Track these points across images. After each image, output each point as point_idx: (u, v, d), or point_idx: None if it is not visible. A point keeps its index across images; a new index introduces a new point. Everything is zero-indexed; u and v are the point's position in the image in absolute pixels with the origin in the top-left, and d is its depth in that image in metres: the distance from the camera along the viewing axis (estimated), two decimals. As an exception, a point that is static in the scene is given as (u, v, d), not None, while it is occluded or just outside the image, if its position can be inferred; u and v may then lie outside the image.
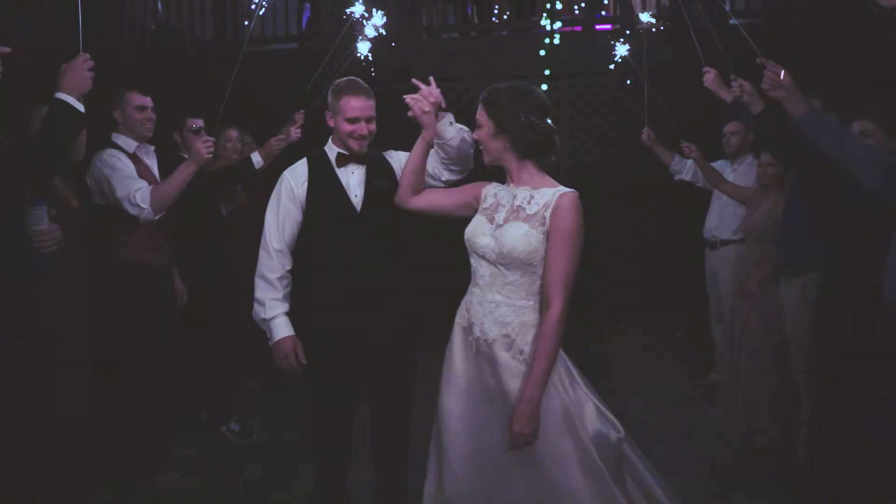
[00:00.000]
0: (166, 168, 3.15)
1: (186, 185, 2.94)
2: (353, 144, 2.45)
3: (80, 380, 2.80)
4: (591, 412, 1.99)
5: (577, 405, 1.99)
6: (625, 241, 6.36)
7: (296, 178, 2.50)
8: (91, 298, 2.84)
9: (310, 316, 2.50)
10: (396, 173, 2.51)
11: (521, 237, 1.99)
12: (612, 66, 4.34)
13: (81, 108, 2.18)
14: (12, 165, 2.20)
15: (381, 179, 2.52)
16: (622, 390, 4.53)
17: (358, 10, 3.23)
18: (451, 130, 2.26)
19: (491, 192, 2.17)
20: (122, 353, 3.06)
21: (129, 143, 3.07)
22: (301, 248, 2.52)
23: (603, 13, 6.70)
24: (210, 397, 3.82)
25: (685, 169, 4.41)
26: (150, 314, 3.11)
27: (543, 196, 2.02)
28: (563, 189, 2.03)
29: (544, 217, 1.99)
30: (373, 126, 2.47)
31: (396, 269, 2.53)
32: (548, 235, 1.98)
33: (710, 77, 2.83)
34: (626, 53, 3.93)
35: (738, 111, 2.77)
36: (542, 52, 6.05)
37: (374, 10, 3.24)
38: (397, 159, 2.57)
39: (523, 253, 1.98)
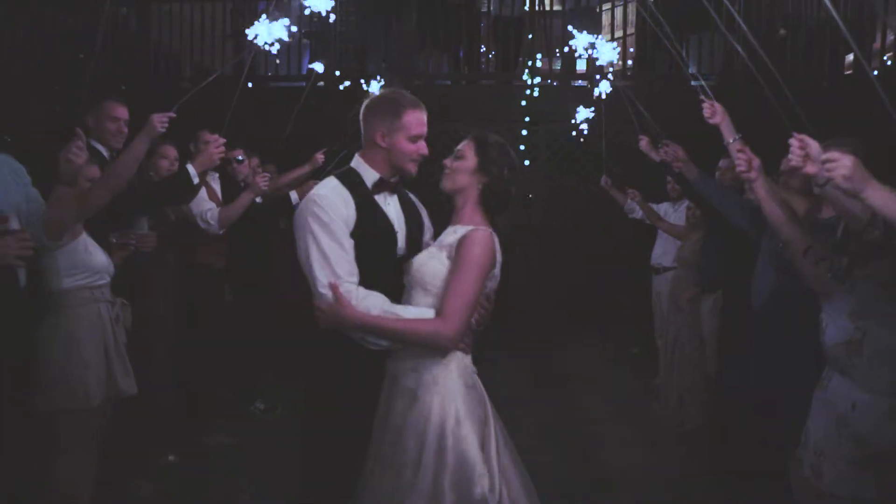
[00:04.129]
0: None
1: (245, 209, 3.81)
2: (412, 168, 2.17)
3: (164, 357, 3.58)
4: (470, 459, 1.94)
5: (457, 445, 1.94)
6: (591, 267, 7.28)
7: (342, 198, 2.07)
8: (176, 291, 3.66)
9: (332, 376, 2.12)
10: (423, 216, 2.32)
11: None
12: (575, 132, 5.28)
13: (197, 180, 3.06)
14: (122, 202, 2.96)
15: (414, 216, 2.27)
16: (583, 392, 5.44)
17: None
18: None
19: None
20: (187, 337, 3.86)
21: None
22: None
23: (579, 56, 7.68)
24: (243, 381, 4.64)
25: (636, 209, 5.35)
26: (207, 307, 3.95)
27: (460, 230, 2.07)
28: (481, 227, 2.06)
29: (451, 246, 2.04)
30: None
31: None
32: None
33: (643, 143, 3.80)
34: (587, 118, 4.93)
35: (665, 169, 3.73)
36: (524, 102, 7.03)
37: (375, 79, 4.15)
38: (417, 203, 2.35)
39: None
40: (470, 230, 2.03)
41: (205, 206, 3.76)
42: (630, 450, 4.24)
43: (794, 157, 1.96)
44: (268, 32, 2.71)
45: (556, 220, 7.25)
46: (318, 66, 4.33)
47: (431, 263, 2.04)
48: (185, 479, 3.57)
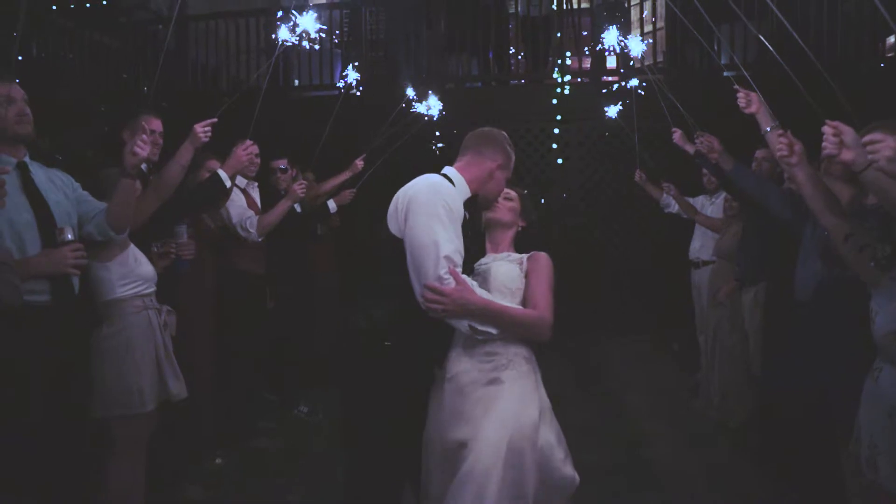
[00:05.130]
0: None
1: (283, 216, 3.89)
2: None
3: (207, 362, 3.68)
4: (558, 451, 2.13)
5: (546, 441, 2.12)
6: (627, 263, 7.20)
7: (458, 199, 2.20)
8: (217, 297, 3.75)
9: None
10: None
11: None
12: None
13: (229, 183, 3.14)
14: (163, 210, 3.01)
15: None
16: (624, 389, 5.38)
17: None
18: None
19: None
20: (228, 342, 3.95)
21: (241, 181, 4.02)
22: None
23: (609, 50, 7.60)
24: (285, 385, 4.73)
25: (672, 203, 5.29)
26: (248, 312, 4.03)
27: (515, 255, 2.42)
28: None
29: (521, 259, 2.37)
30: None
31: None
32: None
33: (676, 135, 3.77)
34: (615, 116, 4.90)
35: (700, 161, 3.68)
36: (555, 101, 7.01)
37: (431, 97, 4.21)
38: None
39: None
40: (533, 252, 2.36)
41: (245, 214, 3.86)
42: (674, 447, 4.19)
43: (829, 144, 1.93)
44: (311, 22, 2.82)
45: (591, 218, 7.20)
46: (353, 75, 4.39)
47: (507, 269, 2.30)
48: (233, 483, 3.65)
